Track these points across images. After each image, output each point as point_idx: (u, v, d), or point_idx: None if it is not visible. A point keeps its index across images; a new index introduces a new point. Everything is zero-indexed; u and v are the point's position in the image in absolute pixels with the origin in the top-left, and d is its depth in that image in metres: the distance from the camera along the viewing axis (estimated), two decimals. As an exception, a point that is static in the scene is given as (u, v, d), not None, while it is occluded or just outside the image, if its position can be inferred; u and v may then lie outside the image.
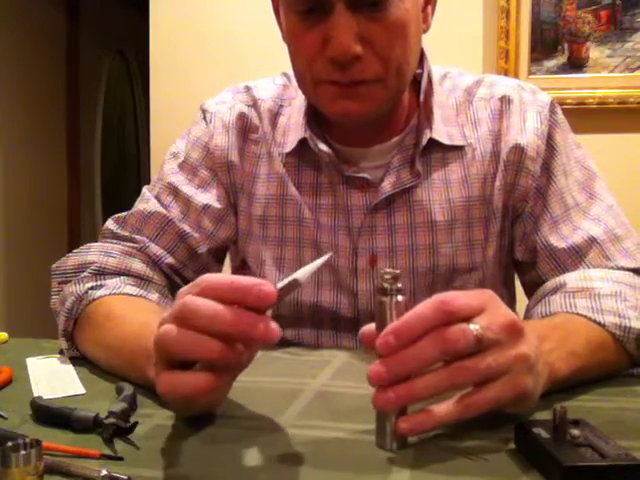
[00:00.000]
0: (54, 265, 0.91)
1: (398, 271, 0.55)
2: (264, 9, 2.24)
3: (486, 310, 0.54)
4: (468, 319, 0.53)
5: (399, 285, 0.54)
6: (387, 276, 0.54)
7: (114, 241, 0.94)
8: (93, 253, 0.90)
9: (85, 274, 0.87)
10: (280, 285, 0.52)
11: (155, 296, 0.87)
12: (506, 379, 0.54)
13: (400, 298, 0.54)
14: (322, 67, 0.80)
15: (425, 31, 0.88)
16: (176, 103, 2.16)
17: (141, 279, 0.89)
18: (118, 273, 0.88)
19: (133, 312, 0.79)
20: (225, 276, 0.54)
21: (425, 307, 0.53)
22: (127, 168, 4.50)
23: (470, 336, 0.52)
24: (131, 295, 0.84)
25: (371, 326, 0.56)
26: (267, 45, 2.08)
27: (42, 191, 3.33)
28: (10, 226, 3.06)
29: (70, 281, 0.87)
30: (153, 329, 0.68)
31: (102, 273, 0.87)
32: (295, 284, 0.53)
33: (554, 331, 0.69)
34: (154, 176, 1.01)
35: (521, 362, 0.54)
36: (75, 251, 0.92)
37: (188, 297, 0.52)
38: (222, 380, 0.53)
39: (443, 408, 0.54)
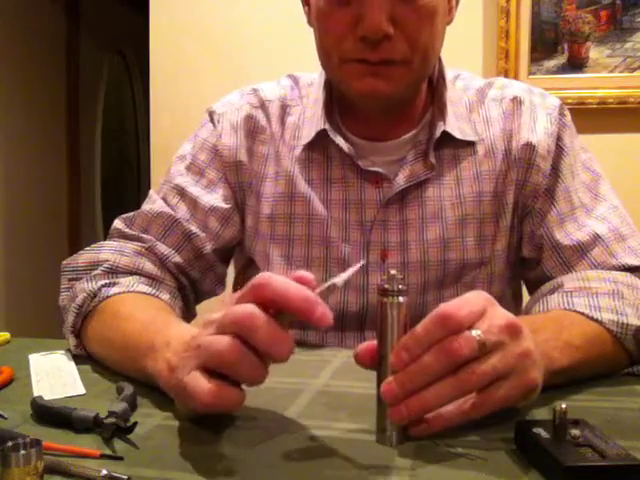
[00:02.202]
0: (65, 262, 0.91)
1: (401, 276, 0.55)
2: (264, 9, 2.24)
3: (485, 313, 0.55)
4: (470, 326, 0.53)
5: (400, 286, 0.55)
6: (389, 277, 0.55)
7: (124, 240, 0.94)
8: (106, 251, 0.90)
9: (97, 272, 0.86)
10: (318, 291, 0.53)
11: (166, 297, 0.87)
12: (514, 378, 0.54)
13: (401, 299, 0.55)
14: (351, 46, 0.82)
15: (449, 23, 0.89)
16: (176, 103, 2.16)
17: (153, 279, 0.89)
18: (130, 272, 0.88)
19: (142, 309, 0.79)
20: (293, 285, 0.53)
21: (430, 323, 0.53)
22: (127, 168, 4.50)
23: (473, 343, 0.52)
24: (144, 293, 0.84)
25: (365, 345, 0.57)
26: (267, 45, 2.08)
27: (42, 191, 3.33)
28: (10, 227, 3.06)
29: (81, 278, 0.86)
30: (158, 326, 0.69)
31: (115, 271, 0.87)
32: (333, 288, 0.54)
33: (549, 323, 0.70)
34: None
35: (526, 358, 0.55)
36: (87, 249, 0.92)
37: (252, 309, 0.52)
38: None
39: (452, 409, 0.54)
